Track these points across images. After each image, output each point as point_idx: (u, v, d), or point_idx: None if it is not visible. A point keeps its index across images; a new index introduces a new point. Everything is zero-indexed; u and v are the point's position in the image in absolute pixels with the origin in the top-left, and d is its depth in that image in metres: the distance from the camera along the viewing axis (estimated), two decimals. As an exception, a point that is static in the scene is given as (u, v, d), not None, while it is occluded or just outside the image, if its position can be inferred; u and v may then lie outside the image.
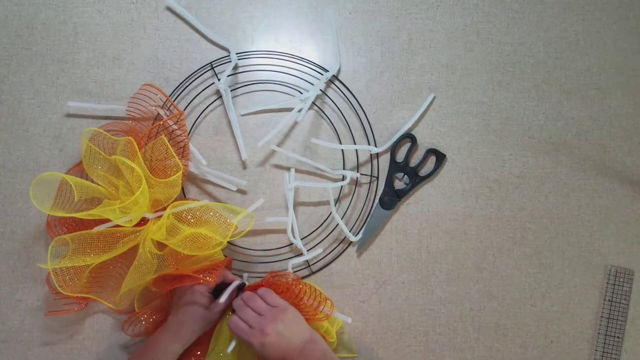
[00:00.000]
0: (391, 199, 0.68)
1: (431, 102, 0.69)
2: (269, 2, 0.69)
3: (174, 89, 0.68)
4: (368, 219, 0.68)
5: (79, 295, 0.61)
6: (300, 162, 0.68)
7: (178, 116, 0.63)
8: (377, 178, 0.68)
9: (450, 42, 0.70)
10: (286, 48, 0.69)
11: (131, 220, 0.58)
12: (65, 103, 0.67)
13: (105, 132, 0.61)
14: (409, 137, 0.68)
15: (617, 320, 0.68)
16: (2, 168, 0.67)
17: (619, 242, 0.69)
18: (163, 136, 0.60)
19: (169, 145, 0.60)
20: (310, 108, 0.68)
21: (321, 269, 0.68)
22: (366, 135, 0.68)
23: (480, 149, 0.69)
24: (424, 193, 0.69)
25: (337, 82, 0.69)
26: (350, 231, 0.66)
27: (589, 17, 0.70)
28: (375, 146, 0.68)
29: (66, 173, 0.65)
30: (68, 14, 0.68)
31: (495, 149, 0.69)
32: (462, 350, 0.68)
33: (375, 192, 0.68)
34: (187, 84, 0.68)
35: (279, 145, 0.68)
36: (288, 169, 0.68)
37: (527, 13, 0.70)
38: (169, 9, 0.69)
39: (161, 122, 0.63)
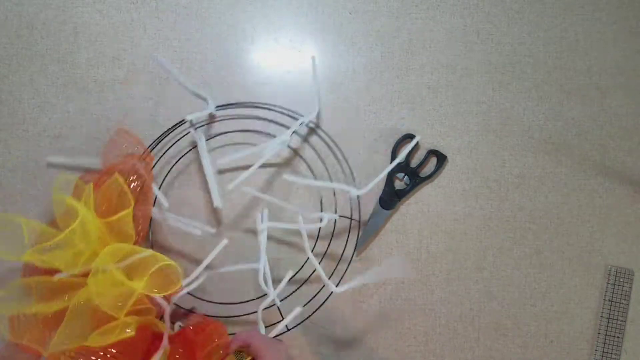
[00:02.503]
0: (391, 199, 0.68)
1: (415, 145, 0.67)
2: (269, 2, 0.69)
3: (153, 140, 0.66)
4: (368, 219, 0.68)
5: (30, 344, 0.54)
6: (274, 206, 0.66)
7: (146, 156, 0.61)
8: (359, 221, 0.67)
9: (450, 42, 0.70)
10: (286, 48, 0.69)
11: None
12: (65, 104, 0.68)
13: (73, 178, 0.59)
14: (409, 137, 0.68)
15: (617, 320, 0.68)
16: (2, 168, 0.67)
17: (619, 242, 0.69)
18: (116, 173, 0.57)
19: (122, 182, 0.57)
20: (287, 155, 0.67)
21: (303, 321, 0.65)
22: (346, 178, 0.67)
23: (480, 149, 0.69)
24: (424, 193, 0.69)
25: (319, 130, 0.68)
26: (331, 276, 0.64)
27: (589, 17, 0.70)
28: (356, 189, 0.65)
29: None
30: (68, 14, 0.68)
31: (495, 149, 0.69)
32: (462, 350, 0.68)
33: (358, 235, 0.67)
34: (166, 135, 0.67)
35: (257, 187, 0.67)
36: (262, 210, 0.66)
37: (527, 13, 0.70)
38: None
39: (134, 160, 0.60)
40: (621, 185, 0.69)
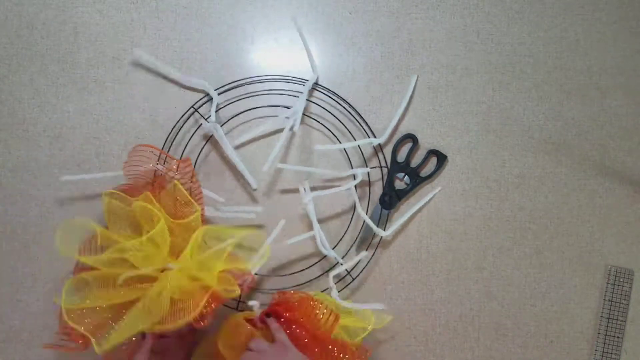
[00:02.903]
0: (391, 198, 0.68)
1: (415, 84, 0.68)
2: (269, 2, 0.69)
3: (163, 141, 0.67)
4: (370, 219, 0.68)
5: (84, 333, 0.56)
6: (308, 175, 0.67)
7: (180, 163, 0.61)
8: (388, 167, 0.68)
9: (450, 42, 0.70)
10: (286, 48, 0.69)
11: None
12: (65, 104, 0.68)
13: (120, 193, 0.60)
14: (410, 137, 0.68)
15: (617, 320, 0.68)
16: (2, 168, 0.67)
17: (619, 242, 0.69)
18: (176, 181, 0.59)
19: (182, 188, 0.58)
20: (301, 122, 0.67)
21: (362, 271, 0.67)
22: (364, 130, 0.68)
23: (480, 149, 0.69)
24: (424, 193, 0.69)
25: (320, 89, 0.68)
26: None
27: (589, 17, 0.70)
28: (375, 137, 0.68)
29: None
30: (68, 14, 0.68)
31: (495, 149, 0.69)
32: (462, 350, 0.68)
33: (391, 180, 0.68)
34: (175, 132, 0.67)
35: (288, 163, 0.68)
36: (296, 189, 0.67)
37: (527, 13, 0.70)
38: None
39: (171, 172, 0.61)
40: (621, 185, 0.69)
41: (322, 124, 0.68)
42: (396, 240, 0.68)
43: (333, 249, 0.66)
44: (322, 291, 0.66)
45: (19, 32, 0.68)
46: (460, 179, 0.69)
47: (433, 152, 0.68)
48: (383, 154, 0.68)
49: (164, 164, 0.64)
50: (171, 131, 0.67)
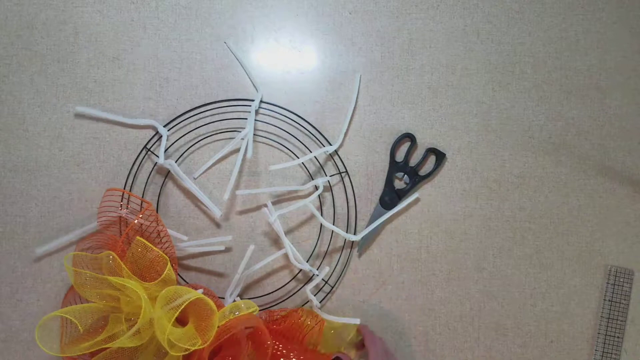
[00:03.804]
0: (391, 198, 0.68)
1: (359, 82, 0.68)
2: (269, 2, 0.69)
3: (123, 185, 0.67)
4: (368, 219, 0.68)
5: None
6: (269, 195, 0.67)
7: (145, 210, 0.62)
8: (347, 172, 0.68)
9: (450, 42, 0.70)
10: (286, 48, 0.69)
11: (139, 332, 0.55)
12: (65, 104, 0.68)
13: (84, 253, 0.59)
14: (407, 136, 0.68)
15: (617, 320, 0.68)
16: (2, 168, 0.67)
17: (619, 242, 0.69)
18: (138, 237, 0.58)
19: (145, 242, 0.58)
20: (255, 142, 0.68)
21: (338, 279, 0.68)
22: (316, 139, 0.68)
23: (480, 149, 0.69)
24: (424, 193, 0.69)
25: (265, 105, 0.68)
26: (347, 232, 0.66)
27: (589, 17, 0.70)
28: (330, 144, 0.68)
29: (63, 300, 0.65)
30: (68, 14, 0.68)
31: (495, 149, 0.69)
32: (462, 350, 0.68)
33: (352, 185, 0.68)
34: (133, 174, 0.67)
35: (246, 185, 0.68)
36: (260, 208, 0.67)
37: (527, 13, 0.70)
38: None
39: (135, 221, 0.61)
40: (621, 185, 0.69)
41: (275, 141, 0.68)
42: (396, 240, 0.68)
43: (307, 260, 0.66)
44: (304, 305, 0.67)
45: (19, 32, 0.68)
46: (460, 179, 0.69)
47: (431, 151, 0.68)
48: (340, 158, 0.68)
49: (127, 206, 0.65)
50: (128, 174, 0.67)
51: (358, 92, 0.69)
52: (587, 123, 0.70)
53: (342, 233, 0.65)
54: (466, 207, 0.69)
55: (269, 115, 0.68)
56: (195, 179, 0.67)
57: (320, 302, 0.66)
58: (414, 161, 0.69)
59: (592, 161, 0.70)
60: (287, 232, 0.68)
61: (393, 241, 0.68)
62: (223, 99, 0.68)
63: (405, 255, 0.68)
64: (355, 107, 0.69)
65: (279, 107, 0.68)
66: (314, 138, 0.68)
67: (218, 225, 0.68)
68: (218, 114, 0.68)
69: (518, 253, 0.69)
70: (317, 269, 0.66)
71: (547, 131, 0.70)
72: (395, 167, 0.68)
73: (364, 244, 0.68)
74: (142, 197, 0.66)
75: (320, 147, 0.68)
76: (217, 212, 0.65)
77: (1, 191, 0.67)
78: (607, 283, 0.68)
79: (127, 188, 0.67)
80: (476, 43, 0.70)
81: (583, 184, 0.69)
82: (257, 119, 0.68)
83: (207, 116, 0.68)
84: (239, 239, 0.67)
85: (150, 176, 0.67)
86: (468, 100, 0.70)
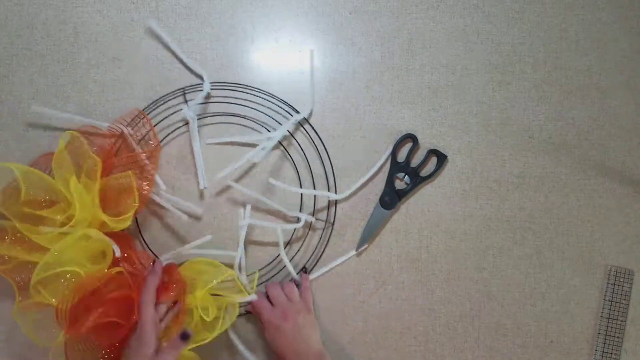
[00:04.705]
0: (392, 198, 0.68)
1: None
2: (269, 2, 0.69)
3: (148, 104, 0.67)
4: (368, 219, 0.68)
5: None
6: (257, 200, 0.67)
7: (152, 151, 0.63)
8: (333, 225, 0.68)
9: (450, 42, 0.70)
10: (286, 48, 0.69)
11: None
12: (65, 104, 0.68)
13: (83, 140, 0.60)
14: (410, 137, 0.68)
15: (617, 320, 0.68)
16: (2, 168, 0.67)
17: (619, 242, 0.69)
18: (131, 173, 0.59)
19: (133, 180, 0.59)
20: (276, 148, 0.68)
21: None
22: (327, 182, 0.68)
23: (480, 149, 0.69)
24: (424, 193, 0.69)
25: (307, 126, 0.68)
26: (301, 270, 0.67)
27: (589, 17, 0.70)
28: (336, 193, 0.67)
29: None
30: (68, 14, 0.68)
31: (495, 149, 0.69)
32: (462, 350, 0.68)
33: (328, 239, 0.68)
34: (157, 105, 0.67)
35: (240, 180, 0.67)
36: (244, 205, 0.67)
37: (527, 13, 0.70)
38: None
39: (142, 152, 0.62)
40: (621, 185, 0.69)
41: (292, 161, 0.68)
42: (396, 240, 0.68)
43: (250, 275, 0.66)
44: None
45: (19, 32, 0.68)
46: (460, 179, 0.69)
47: (433, 152, 0.68)
48: (335, 210, 0.68)
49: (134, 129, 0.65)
50: (154, 102, 0.67)
51: (382, 165, 0.68)
52: (587, 123, 0.70)
53: (292, 271, 0.65)
54: (466, 207, 0.69)
55: (304, 135, 0.68)
56: (207, 144, 0.67)
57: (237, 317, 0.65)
58: (415, 162, 0.69)
59: (592, 161, 0.70)
60: (250, 243, 0.67)
61: (393, 241, 0.68)
62: (265, 90, 0.68)
63: (405, 255, 0.68)
64: (376, 173, 0.68)
65: (316, 134, 0.68)
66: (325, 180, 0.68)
67: (201, 196, 0.67)
68: (261, 103, 0.68)
69: (518, 253, 0.69)
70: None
71: (547, 131, 0.70)
72: (396, 167, 0.68)
73: (364, 244, 0.68)
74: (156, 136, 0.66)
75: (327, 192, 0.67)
76: (202, 181, 0.66)
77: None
78: (607, 283, 0.68)
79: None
80: (476, 43, 0.70)
81: (583, 184, 0.69)
82: (296, 136, 0.68)
83: (246, 100, 0.68)
84: (210, 221, 0.67)
85: (165, 120, 0.67)
86: (468, 100, 0.70)
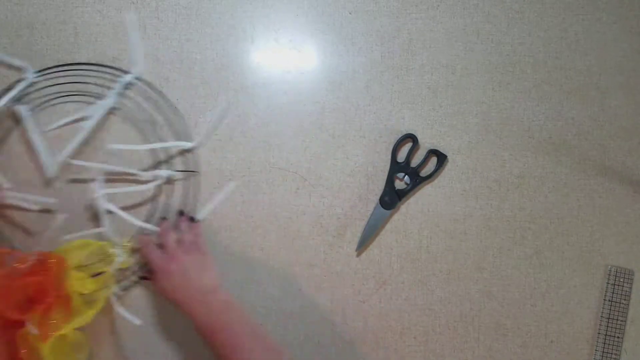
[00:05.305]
0: (392, 198, 0.68)
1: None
2: (269, 2, 0.69)
3: None
4: (368, 219, 0.68)
5: None
6: (111, 172, 0.66)
7: None
8: (196, 172, 0.67)
9: (450, 42, 0.70)
10: (286, 48, 0.69)
11: None
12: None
13: None
14: (410, 137, 0.68)
15: (617, 320, 0.68)
16: (2, 168, 0.67)
17: (619, 242, 0.69)
18: None
19: None
20: (112, 113, 0.67)
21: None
22: (179, 133, 0.67)
23: (480, 149, 0.69)
24: (424, 193, 0.69)
25: (145, 87, 0.67)
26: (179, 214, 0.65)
27: (589, 17, 0.70)
28: (190, 142, 0.67)
29: None
30: (68, 14, 0.68)
31: (495, 149, 0.69)
32: (462, 350, 0.68)
33: (198, 187, 0.67)
34: None
35: (87, 156, 0.66)
36: (94, 179, 0.65)
37: (527, 13, 0.70)
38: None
39: None
40: (621, 185, 0.69)
41: (135, 123, 0.67)
42: (396, 240, 0.68)
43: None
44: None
45: (19, 32, 0.68)
46: (460, 179, 0.69)
47: (433, 152, 0.68)
48: (195, 157, 0.67)
49: None
50: None
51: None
52: (587, 123, 0.70)
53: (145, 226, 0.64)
54: (466, 207, 0.69)
55: (142, 96, 0.67)
56: (45, 132, 0.65)
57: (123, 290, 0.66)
58: (415, 162, 0.69)
59: (592, 161, 0.70)
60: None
61: (393, 241, 0.68)
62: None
63: (405, 255, 0.68)
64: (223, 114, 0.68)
65: (155, 89, 0.67)
66: (173, 131, 0.67)
67: (47, 184, 0.66)
68: (89, 76, 0.67)
69: (518, 253, 0.69)
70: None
71: (547, 131, 0.70)
72: (396, 167, 0.68)
73: (364, 244, 0.68)
74: None
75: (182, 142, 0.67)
76: (48, 169, 0.64)
77: (1, 191, 0.67)
78: (607, 283, 0.68)
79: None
80: (476, 43, 0.70)
81: (583, 184, 0.69)
82: (132, 96, 0.67)
83: (78, 76, 0.67)
84: (66, 205, 0.66)
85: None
86: (468, 100, 0.70)
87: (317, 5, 0.70)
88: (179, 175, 0.67)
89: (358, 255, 0.68)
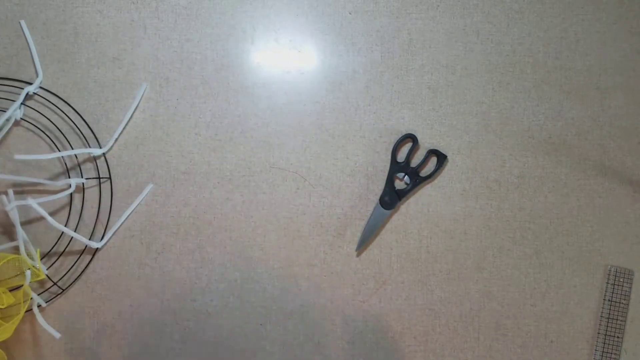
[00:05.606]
0: (391, 198, 0.68)
1: (143, 94, 0.67)
2: (269, 2, 0.69)
3: None
4: (368, 219, 0.68)
5: None
6: (19, 182, 0.66)
7: None
8: (109, 179, 0.67)
9: (450, 42, 0.70)
10: (286, 48, 0.69)
11: None
12: (65, 104, 0.67)
13: None
14: (409, 137, 0.68)
15: (617, 320, 0.68)
16: (2, 168, 0.67)
17: (619, 242, 0.69)
18: None
19: None
20: (18, 125, 0.66)
21: (73, 283, 0.66)
22: (84, 139, 0.67)
23: (480, 149, 0.69)
24: (424, 193, 0.69)
25: (48, 95, 0.67)
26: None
27: (589, 17, 0.70)
28: (100, 147, 0.66)
29: None
30: (68, 14, 0.68)
31: (495, 149, 0.69)
32: (462, 350, 0.68)
33: (111, 193, 0.67)
34: None
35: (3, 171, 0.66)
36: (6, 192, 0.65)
37: (527, 13, 0.70)
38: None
39: None
40: (621, 185, 0.69)
41: (43, 132, 0.67)
42: (396, 240, 0.68)
43: (42, 258, 0.65)
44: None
45: (19, 32, 0.68)
46: (460, 179, 0.69)
47: (433, 152, 0.68)
48: (107, 163, 0.67)
49: None
50: None
51: (138, 103, 0.67)
52: (587, 123, 0.70)
53: (82, 239, 0.64)
54: (466, 207, 0.69)
55: (46, 106, 0.67)
56: None
57: (46, 302, 0.66)
58: (415, 162, 0.69)
59: (592, 161, 0.70)
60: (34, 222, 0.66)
61: (393, 241, 0.68)
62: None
63: (405, 255, 0.68)
64: (131, 117, 0.67)
65: (61, 99, 0.67)
66: (83, 138, 0.67)
67: None
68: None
69: (518, 253, 0.69)
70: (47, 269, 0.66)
71: (547, 131, 0.70)
72: (396, 167, 0.68)
73: (364, 244, 0.68)
74: None
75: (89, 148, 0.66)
76: None
77: (1, 191, 0.67)
78: (607, 283, 0.68)
79: None
80: (476, 43, 0.70)
81: (583, 184, 0.69)
82: (34, 107, 0.67)
83: None
84: None
85: None
86: (468, 100, 0.70)
87: (317, 5, 0.70)
88: (90, 182, 0.67)
89: (358, 255, 0.68)
